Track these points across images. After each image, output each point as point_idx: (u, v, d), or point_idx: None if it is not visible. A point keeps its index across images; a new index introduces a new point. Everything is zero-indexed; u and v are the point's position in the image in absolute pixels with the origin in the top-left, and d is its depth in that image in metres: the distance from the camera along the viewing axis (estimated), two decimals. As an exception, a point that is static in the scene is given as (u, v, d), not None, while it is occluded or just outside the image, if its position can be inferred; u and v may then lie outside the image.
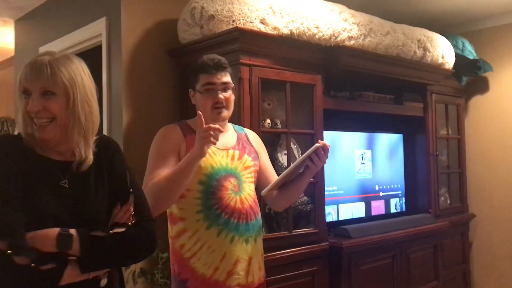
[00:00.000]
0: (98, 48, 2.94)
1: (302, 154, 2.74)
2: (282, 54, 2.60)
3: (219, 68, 1.87)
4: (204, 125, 1.68)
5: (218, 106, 1.86)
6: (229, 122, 2.00)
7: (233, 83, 1.93)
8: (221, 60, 1.89)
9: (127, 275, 2.56)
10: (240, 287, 1.82)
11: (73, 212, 1.32)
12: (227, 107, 1.89)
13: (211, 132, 1.66)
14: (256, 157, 1.99)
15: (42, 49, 3.43)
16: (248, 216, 1.85)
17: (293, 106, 2.69)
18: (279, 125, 2.71)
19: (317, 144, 1.86)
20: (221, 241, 1.79)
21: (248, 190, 1.89)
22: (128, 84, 2.68)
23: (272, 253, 2.42)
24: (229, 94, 1.90)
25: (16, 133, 1.41)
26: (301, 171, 1.95)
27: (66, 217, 1.30)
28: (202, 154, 1.70)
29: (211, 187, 1.81)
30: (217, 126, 1.69)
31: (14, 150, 1.33)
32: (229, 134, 1.97)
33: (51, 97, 1.31)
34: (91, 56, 3.12)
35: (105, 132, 2.79)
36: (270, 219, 2.65)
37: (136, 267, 2.59)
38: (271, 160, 2.18)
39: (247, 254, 1.83)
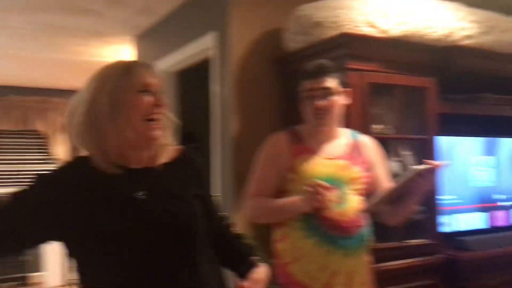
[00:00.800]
0: (207, 61, 3.07)
1: (413, 161, 2.64)
2: (391, 57, 2.50)
3: (319, 73, 1.83)
4: (310, 186, 1.68)
5: (318, 113, 1.83)
6: (345, 127, 1.95)
7: (342, 87, 1.87)
8: (324, 64, 1.85)
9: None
10: None
11: (155, 223, 1.24)
12: (329, 114, 1.84)
13: (318, 191, 1.67)
14: (368, 168, 1.90)
15: (158, 63, 3.67)
16: (349, 229, 1.78)
17: (404, 110, 2.58)
18: (391, 131, 2.61)
19: (423, 167, 1.72)
20: (318, 251, 1.77)
21: (353, 203, 1.83)
22: (236, 94, 2.76)
23: (381, 264, 2.32)
24: (332, 100, 1.83)
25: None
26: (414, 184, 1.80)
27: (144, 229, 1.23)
28: (308, 209, 1.73)
29: None
30: (323, 183, 1.67)
31: (74, 172, 1.28)
32: (339, 141, 1.91)
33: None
34: (199, 69, 3.29)
35: (216, 142, 2.91)
36: (379, 227, 2.55)
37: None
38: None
39: (346, 268, 1.78)
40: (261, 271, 1.41)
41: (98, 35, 4.14)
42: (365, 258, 1.85)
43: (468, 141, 3.06)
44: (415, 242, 2.54)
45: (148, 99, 1.25)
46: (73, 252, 1.26)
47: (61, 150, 6.52)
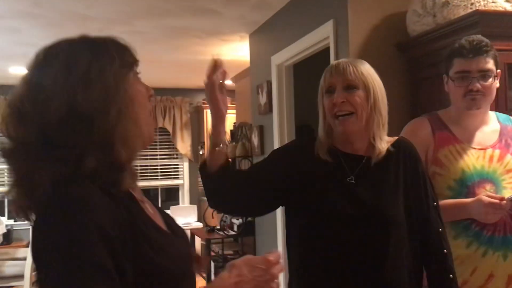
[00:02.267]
0: (325, 51, 3.02)
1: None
2: (532, 33, 2.25)
3: (478, 52, 1.64)
4: (485, 199, 1.54)
5: (472, 94, 1.64)
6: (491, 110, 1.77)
7: (498, 67, 1.69)
8: (482, 42, 1.66)
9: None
10: None
11: (360, 210, 1.36)
12: (484, 96, 1.65)
13: (500, 205, 1.52)
14: None
15: (274, 58, 3.70)
16: (507, 227, 1.59)
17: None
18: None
19: None
20: (470, 254, 1.61)
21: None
22: (357, 83, 2.68)
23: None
24: (490, 82, 1.65)
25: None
26: None
27: (353, 214, 1.36)
28: (484, 221, 1.59)
29: (461, 195, 1.63)
30: (497, 202, 1.51)
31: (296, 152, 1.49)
32: (490, 128, 1.73)
33: (353, 91, 1.38)
34: (318, 60, 3.25)
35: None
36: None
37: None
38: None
39: (506, 271, 1.60)
40: None
41: (216, 34, 4.30)
42: None
43: None
44: None
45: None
46: (288, 222, 1.49)
47: (183, 146, 6.92)
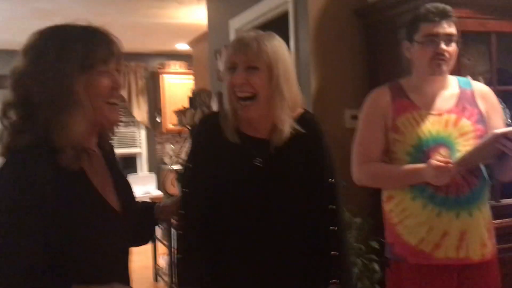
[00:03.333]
0: (284, 17, 2.98)
1: (510, 116, 2.45)
2: (485, 1, 2.30)
3: (444, 16, 1.69)
4: (433, 162, 1.60)
5: (439, 58, 1.68)
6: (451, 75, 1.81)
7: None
8: (446, 7, 1.71)
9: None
10: (449, 260, 1.70)
11: (266, 195, 1.38)
12: (447, 61, 1.70)
13: (449, 168, 1.59)
14: (480, 120, 1.74)
15: (232, 22, 3.63)
16: (459, 188, 1.67)
17: (498, 60, 2.37)
18: (482, 83, 2.42)
19: (504, 130, 1.58)
20: (426, 213, 1.69)
21: None
22: (315, 49, 2.68)
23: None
24: (453, 47, 1.71)
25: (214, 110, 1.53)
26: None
27: (257, 200, 1.37)
28: (436, 184, 1.65)
29: (418, 160, 1.70)
30: (444, 166, 1.58)
31: (205, 131, 1.45)
32: (448, 92, 1.78)
33: (254, 71, 1.35)
34: (276, 26, 3.21)
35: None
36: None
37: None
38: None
39: (458, 229, 1.68)
40: None
41: (172, -3, 4.17)
42: (483, 217, 1.73)
43: None
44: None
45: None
46: None
47: (139, 113, 6.78)
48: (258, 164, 1.38)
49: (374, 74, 2.67)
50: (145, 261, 4.95)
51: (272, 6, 3.10)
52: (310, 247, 1.42)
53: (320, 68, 2.69)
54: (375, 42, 2.65)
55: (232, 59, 1.38)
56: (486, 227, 1.74)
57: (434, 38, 1.68)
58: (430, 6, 1.71)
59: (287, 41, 2.87)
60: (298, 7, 2.78)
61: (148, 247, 5.02)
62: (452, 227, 1.68)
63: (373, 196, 1.96)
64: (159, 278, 4.65)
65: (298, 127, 1.41)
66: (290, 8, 2.84)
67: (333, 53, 2.71)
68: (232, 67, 1.38)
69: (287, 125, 1.38)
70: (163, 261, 4.55)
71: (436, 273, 1.72)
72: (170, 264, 4.11)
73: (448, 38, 1.69)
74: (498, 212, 2.29)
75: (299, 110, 1.46)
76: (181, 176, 3.04)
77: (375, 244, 2.36)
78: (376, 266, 2.39)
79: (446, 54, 1.69)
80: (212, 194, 1.37)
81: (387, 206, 1.82)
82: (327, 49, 2.70)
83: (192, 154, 1.47)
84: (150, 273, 4.77)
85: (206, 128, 1.46)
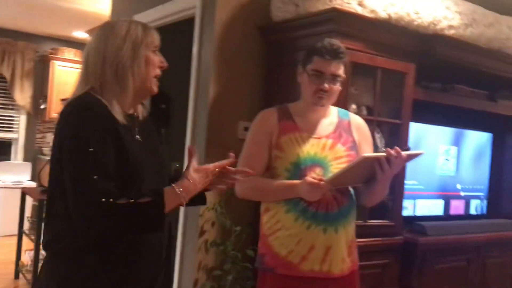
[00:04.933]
0: (191, 20, 2.99)
1: (385, 145, 2.69)
2: (376, 38, 2.52)
3: (336, 56, 1.80)
4: (308, 179, 1.72)
5: (321, 93, 1.82)
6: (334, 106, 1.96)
7: (345, 73, 1.86)
8: (340, 48, 1.82)
9: (200, 243, 2.64)
10: (313, 273, 1.80)
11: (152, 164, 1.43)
12: (329, 97, 1.85)
13: (321, 185, 1.71)
14: (353, 147, 1.90)
15: (137, 18, 3.55)
16: (329, 206, 1.80)
17: (382, 93, 2.61)
18: (365, 112, 2.64)
19: (383, 154, 1.73)
20: (297, 226, 1.80)
21: None
22: (217, 58, 2.71)
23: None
24: (336, 87, 1.84)
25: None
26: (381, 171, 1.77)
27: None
28: (310, 200, 1.77)
29: (294, 176, 1.81)
30: (317, 182, 1.71)
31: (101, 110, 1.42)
32: (328, 120, 1.92)
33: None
34: (181, 28, 3.20)
35: (191, 105, 2.86)
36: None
37: (209, 236, 2.66)
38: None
39: (324, 243, 1.80)
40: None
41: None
42: (346, 235, 1.86)
43: (437, 129, 3.14)
44: (377, 222, 2.61)
45: (159, 59, 1.44)
46: None
47: (22, 97, 6.29)
48: (138, 138, 1.43)
49: (270, 90, 2.77)
50: (8, 256, 4.57)
51: (180, 8, 3.08)
52: None
53: (220, 77, 2.72)
54: (275, 59, 2.76)
55: None
56: (348, 244, 1.87)
57: (321, 75, 1.81)
58: (326, 42, 1.82)
59: (190, 45, 2.89)
60: (205, 15, 2.80)
61: (13, 241, 4.65)
62: (319, 241, 1.80)
63: (255, 207, 2.03)
64: (20, 275, 4.31)
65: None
66: (197, 14, 2.85)
67: (234, 64, 2.76)
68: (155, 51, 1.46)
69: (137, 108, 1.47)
70: (27, 257, 4.22)
71: (301, 284, 1.82)
72: (35, 260, 3.84)
73: (334, 78, 1.82)
74: (364, 232, 2.50)
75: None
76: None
77: (251, 253, 2.43)
78: (249, 274, 2.46)
79: (328, 92, 1.82)
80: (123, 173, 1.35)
81: (263, 218, 1.91)
82: (229, 60, 2.75)
83: (92, 138, 1.40)
84: (11, 269, 4.40)
85: (99, 112, 1.42)
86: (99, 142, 1.26)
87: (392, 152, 1.70)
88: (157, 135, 1.56)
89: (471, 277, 2.99)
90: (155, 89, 1.44)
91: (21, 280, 4.27)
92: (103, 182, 1.24)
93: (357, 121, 2.00)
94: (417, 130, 2.90)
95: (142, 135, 1.43)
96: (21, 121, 6.46)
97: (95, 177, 1.23)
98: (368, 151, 1.94)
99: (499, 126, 3.50)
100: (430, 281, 2.76)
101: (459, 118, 3.38)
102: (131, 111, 1.44)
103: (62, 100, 4.11)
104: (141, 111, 1.49)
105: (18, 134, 6.46)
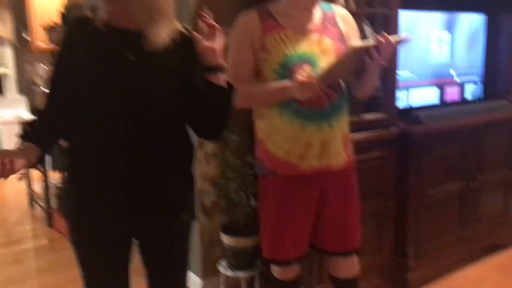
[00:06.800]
0: None
1: (375, 37, 2.62)
2: None
3: None
4: (298, 78, 1.68)
5: None
6: None
7: None
8: None
9: (201, 155, 2.69)
10: (312, 168, 1.85)
11: (133, 86, 1.40)
12: None
13: (312, 81, 1.67)
14: (341, 39, 1.86)
15: None
16: (321, 102, 1.80)
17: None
18: (351, 4, 2.54)
19: (371, 42, 1.71)
20: (292, 127, 1.81)
21: None
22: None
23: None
24: None
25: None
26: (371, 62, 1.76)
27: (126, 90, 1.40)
28: (302, 99, 1.74)
29: (283, 77, 1.79)
30: (307, 80, 1.67)
31: (78, 30, 1.44)
32: (311, 15, 1.85)
33: None
34: None
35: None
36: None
37: (208, 147, 2.70)
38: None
39: (319, 140, 1.82)
40: None
41: None
42: (341, 129, 1.88)
43: (428, 16, 3.05)
44: (372, 116, 2.63)
45: None
46: None
47: (3, 29, 6.10)
48: (130, 57, 1.40)
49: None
50: (20, 187, 4.71)
51: None
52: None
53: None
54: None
55: None
56: (343, 139, 1.89)
57: None
58: None
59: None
60: None
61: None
62: (315, 139, 1.82)
63: (249, 115, 2.02)
64: (34, 203, 4.47)
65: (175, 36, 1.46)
66: None
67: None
68: None
69: (154, 31, 1.40)
70: (38, 187, 4.35)
71: (302, 182, 1.87)
72: (46, 189, 3.96)
73: None
74: (360, 127, 2.53)
75: (179, 26, 1.50)
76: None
77: (250, 159, 2.48)
78: (251, 179, 2.53)
79: None
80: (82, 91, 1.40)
81: (258, 124, 1.91)
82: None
83: (58, 55, 1.47)
84: (25, 199, 4.56)
85: (75, 28, 1.44)
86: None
87: (381, 38, 1.68)
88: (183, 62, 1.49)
89: (468, 160, 3.06)
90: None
91: (36, 209, 4.43)
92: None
93: (342, 13, 1.94)
94: (407, 19, 2.82)
95: (140, 55, 1.40)
96: (8, 55, 6.32)
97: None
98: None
99: (492, 6, 3.39)
100: (429, 168, 2.83)
101: (451, 0, 3.27)
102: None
103: (44, 27, 3.97)
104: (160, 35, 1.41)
105: (8, 68, 6.35)
